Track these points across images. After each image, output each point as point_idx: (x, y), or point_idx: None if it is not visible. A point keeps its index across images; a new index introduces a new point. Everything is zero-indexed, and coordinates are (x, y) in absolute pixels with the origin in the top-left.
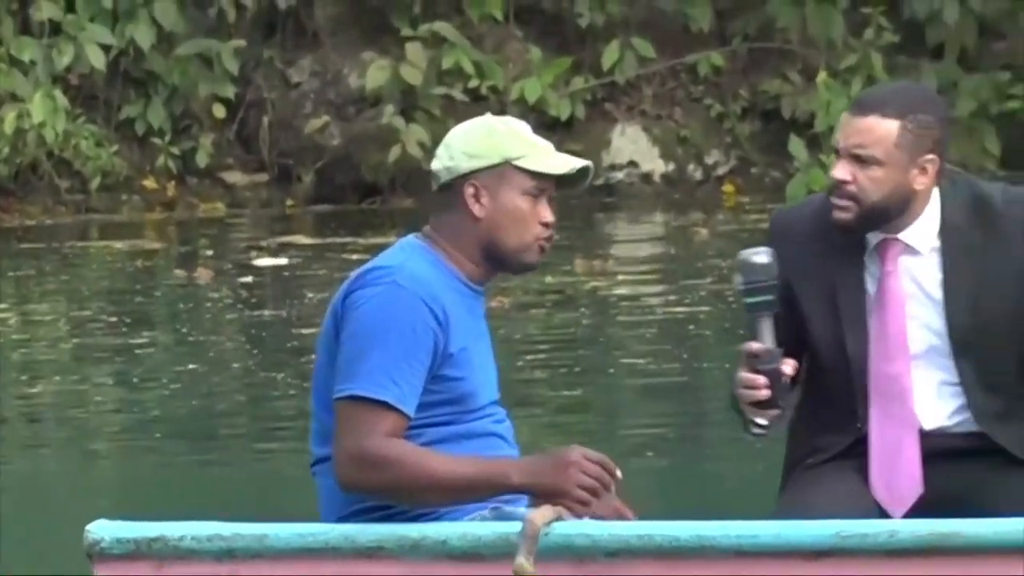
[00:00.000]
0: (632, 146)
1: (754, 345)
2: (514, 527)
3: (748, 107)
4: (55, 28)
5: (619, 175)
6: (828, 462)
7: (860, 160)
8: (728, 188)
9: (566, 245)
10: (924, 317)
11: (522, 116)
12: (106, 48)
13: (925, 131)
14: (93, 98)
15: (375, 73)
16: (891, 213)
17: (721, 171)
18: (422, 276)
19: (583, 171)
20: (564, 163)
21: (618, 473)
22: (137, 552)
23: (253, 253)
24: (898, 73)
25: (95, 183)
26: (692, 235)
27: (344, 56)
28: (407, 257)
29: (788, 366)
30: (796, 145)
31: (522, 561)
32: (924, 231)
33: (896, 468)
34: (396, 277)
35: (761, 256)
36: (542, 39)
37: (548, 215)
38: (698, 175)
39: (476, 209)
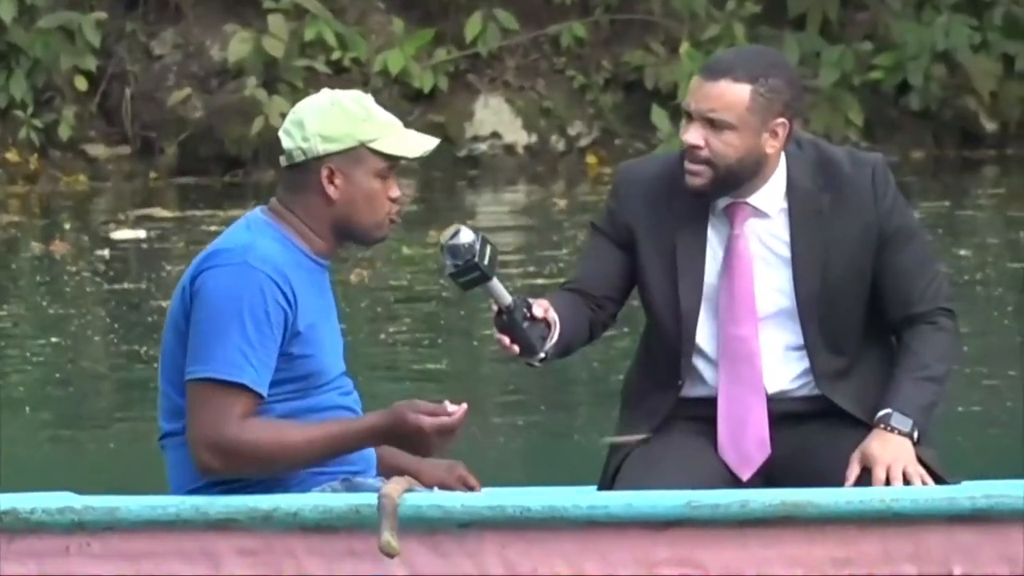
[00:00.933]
0: (495, 118)
1: (493, 308)
2: (365, 498)
3: (611, 78)
4: None
5: (482, 147)
6: (664, 433)
7: (712, 124)
8: (591, 159)
9: (427, 217)
10: (772, 280)
11: (385, 88)
12: None
13: (776, 95)
14: None
15: (237, 45)
16: (744, 177)
17: (584, 142)
18: (271, 255)
19: None
20: (417, 145)
21: (453, 408)
22: None
23: (112, 226)
24: (760, 43)
25: None
26: (552, 206)
27: (206, 28)
28: (255, 236)
29: (538, 308)
30: (659, 116)
31: (388, 539)
32: (772, 194)
33: (744, 430)
34: (246, 257)
35: (456, 237)
36: (405, 11)
37: (396, 190)
38: (561, 146)
39: (331, 191)
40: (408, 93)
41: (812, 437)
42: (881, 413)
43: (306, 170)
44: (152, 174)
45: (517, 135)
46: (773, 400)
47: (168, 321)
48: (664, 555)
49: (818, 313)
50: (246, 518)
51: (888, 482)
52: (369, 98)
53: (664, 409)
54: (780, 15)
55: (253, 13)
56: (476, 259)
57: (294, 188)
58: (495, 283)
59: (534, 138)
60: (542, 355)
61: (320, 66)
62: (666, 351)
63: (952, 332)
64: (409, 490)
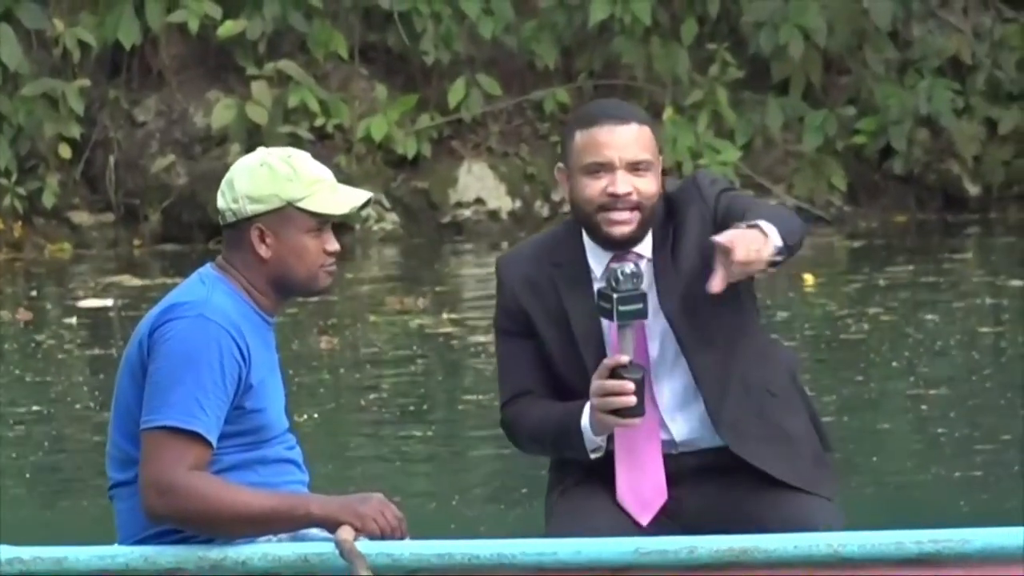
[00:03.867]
0: (479, 184)
1: (623, 358)
2: (314, 547)
3: None
4: None
5: (466, 213)
6: (582, 482)
7: (635, 168)
8: None
9: (409, 284)
10: (655, 326)
11: (368, 154)
12: None
13: (657, 135)
14: None
15: (221, 112)
16: (654, 215)
17: (567, 208)
18: (226, 309)
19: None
20: (345, 202)
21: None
22: None
23: (80, 294)
24: (744, 108)
25: None
26: None
27: (189, 95)
28: (210, 290)
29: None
30: None
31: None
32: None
33: (641, 476)
34: (203, 310)
35: (630, 266)
36: (388, 77)
37: (332, 244)
38: (545, 212)
39: (262, 250)
40: (392, 159)
41: (717, 485)
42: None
43: (238, 230)
44: (136, 241)
45: (501, 201)
46: (679, 446)
47: (123, 370)
48: None
49: (687, 322)
50: (195, 567)
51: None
52: (300, 156)
53: (595, 465)
54: (763, 80)
55: (236, 80)
56: (643, 291)
57: (231, 247)
58: (634, 334)
59: (518, 204)
60: (601, 443)
61: (303, 132)
62: None
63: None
64: (356, 538)
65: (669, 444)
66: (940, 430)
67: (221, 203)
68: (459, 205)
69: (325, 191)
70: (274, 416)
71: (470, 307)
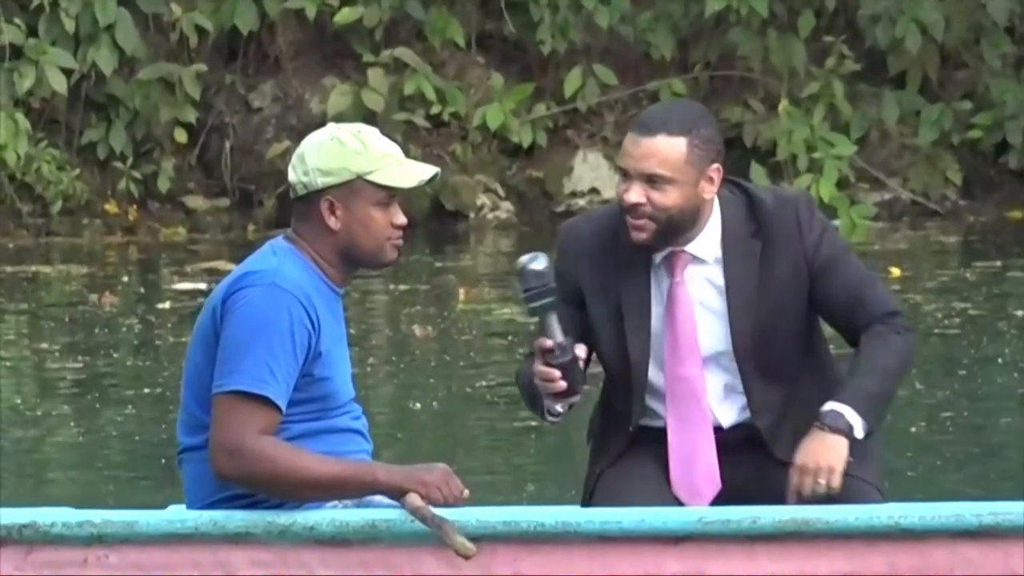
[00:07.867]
0: (593, 173)
1: (546, 342)
2: (382, 513)
3: None
4: (16, 52)
5: (581, 202)
6: (624, 462)
7: (652, 180)
8: None
9: (498, 273)
10: (711, 323)
11: (484, 142)
12: (68, 72)
13: (709, 144)
14: (55, 122)
15: (337, 99)
16: (686, 225)
17: None
18: (297, 279)
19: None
20: (412, 175)
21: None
22: (8, 538)
23: (175, 277)
24: (860, 101)
25: (56, 207)
26: None
27: (305, 81)
28: (281, 260)
29: (581, 350)
30: (758, 173)
31: (462, 540)
32: (708, 241)
33: (694, 466)
34: (275, 279)
35: (536, 263)
36: (504, 65)
37: (399, 218)
38: None
39: (331, 222)
40: (507, 148)
41: (765, 472)
42: (823, 409)
43: (309, 202)
44: (251, 226)
45: (615, 191)
46: (726, 433)
47: (196, 338)
48: (675, 569)
49: (753, 353)
50: (263, 532)
51: (807, 496)
52: (369, 131)
53: (619, 447)
54: (879, 73)
55: (352, 67)
56: (552, 284)
57: (302, 219)
58: (555, 317)
59: None
60: (560, 409)
61: (419, 120)
62: (619, 397)
63: (902, 331)
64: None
65: (715, 428)
66: None
67: (292, 177)
68: (573, 195)
69: (393, 165)
70: (340, 384)
71: None
